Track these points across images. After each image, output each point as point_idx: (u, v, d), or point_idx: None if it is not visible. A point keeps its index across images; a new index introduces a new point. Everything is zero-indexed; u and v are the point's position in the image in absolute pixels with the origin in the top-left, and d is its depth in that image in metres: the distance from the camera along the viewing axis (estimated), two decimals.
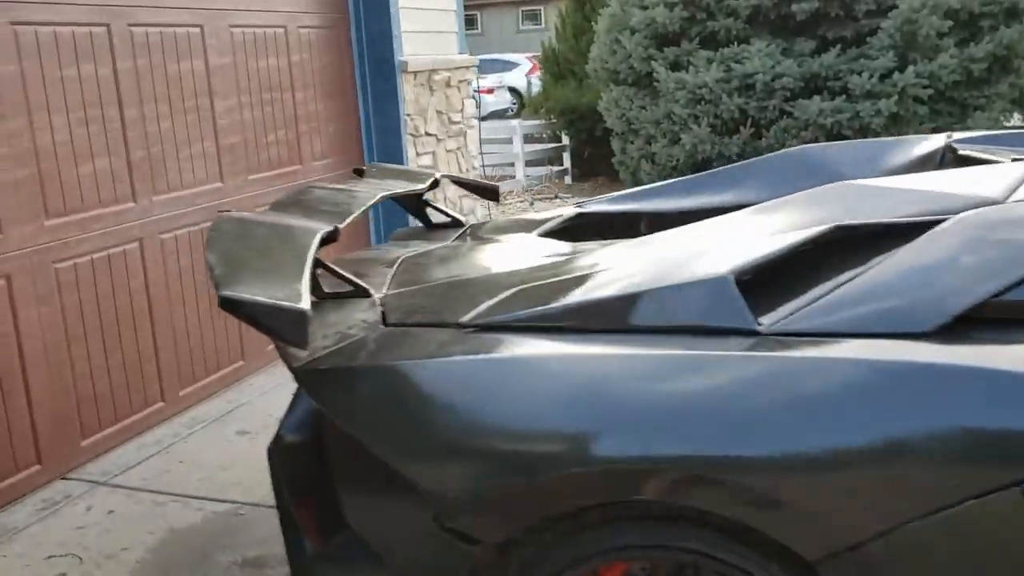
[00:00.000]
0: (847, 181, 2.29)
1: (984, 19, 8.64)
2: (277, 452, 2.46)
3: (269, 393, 4.50)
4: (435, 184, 3.31)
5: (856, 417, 1.65)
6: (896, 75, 8.50)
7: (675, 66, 9.42)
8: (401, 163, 5.46)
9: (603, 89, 10.38)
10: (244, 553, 3.10)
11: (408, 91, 5.44)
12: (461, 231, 3.23)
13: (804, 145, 3.25)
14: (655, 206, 3.10)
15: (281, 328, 1.94)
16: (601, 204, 3.21)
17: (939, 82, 8.54)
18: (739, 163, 3.22)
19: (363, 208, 2.74)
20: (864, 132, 8.70)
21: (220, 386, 4.50)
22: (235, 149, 4.53)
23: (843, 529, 1.67)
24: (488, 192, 3.61)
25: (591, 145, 12.08)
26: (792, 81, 8.81)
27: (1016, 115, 9.38)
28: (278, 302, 1.94)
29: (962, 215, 1.93)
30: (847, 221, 1.99)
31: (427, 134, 5.68)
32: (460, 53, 6.15)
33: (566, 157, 12.66)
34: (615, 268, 2.13)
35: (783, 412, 1.70)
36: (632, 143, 9.93)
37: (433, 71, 5.67)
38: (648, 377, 1.80)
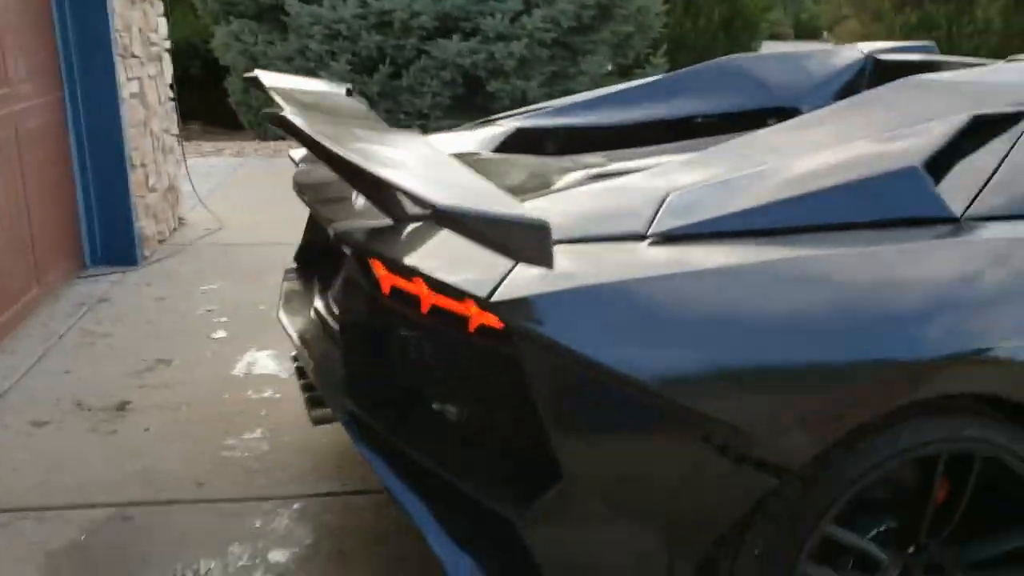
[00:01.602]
0: (916, 77, 2.40)
1: None
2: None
3: (32, 370, 3.56)
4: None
5: None
6: (524, 18, 8.96)
7: None
8: (113, 89, 4.57)
9: (216, 23, 9.55)
10: (189, 566, 2.47)
11: (116, 1, 4.54)
12: None
13: (735, 55, 3.32)
14: (599, 119, 2.99)
15: (522, 245, 1.57)
16: (537, 119, 3.01)
17: (558, 26, 9.17)
18: (671, 74, 3.22)
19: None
20: (497, 73, 9.08)
21: None
22: None
23: None
24: None
25: (185, 85, 11.04)
26: (428, 20, 8.87)
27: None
28: (519, 215, 1.57)
29: None
30: (983, 111, 2.10)
31: (134, 55, 4.80)
32: None
33: None
34: (772, 167, 2.02)
35: None
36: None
37: None
38: (923, 270, 1.78)
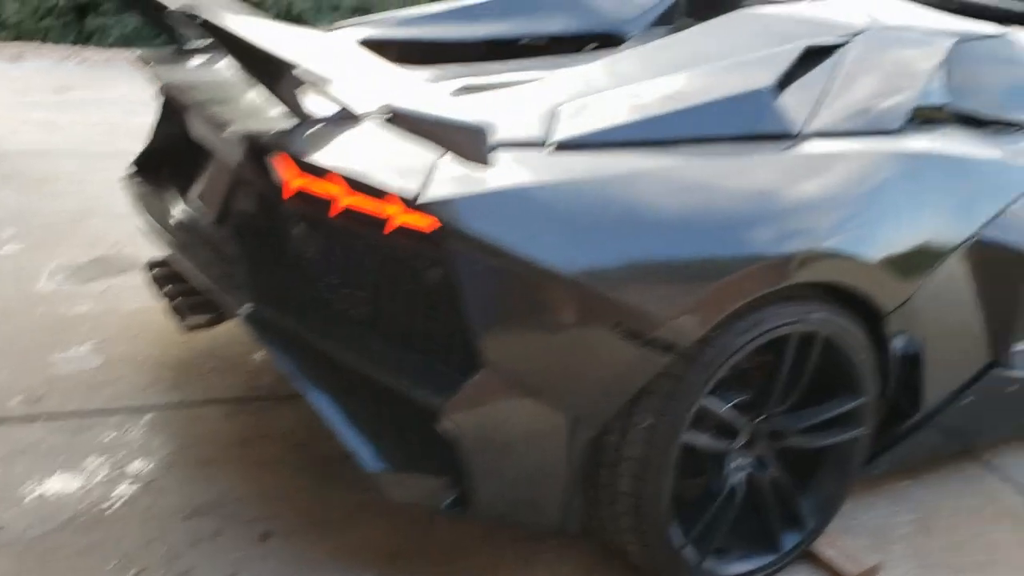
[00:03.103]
0: (749, 10, 2.65)
1: None
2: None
3: None
4: None
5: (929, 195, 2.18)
6: None
7: None
8: None
9: None
10: (42, 482, 2.38)
11: None
12: None
13: None
14: (442, 34, 3.06)
15: (465, 146, 1.69)
16: (382, 29, 3.03)
17: None
18: None
19: None
20: None
21: None
22: None
23: (900, 287, 2.19)
24: None
25: None
26: None
27: None
28: (465, 119, 1.69)
29: (862, 38, 2.47)
30: (815, 42, 2.39)
31: None
32: None
33: None
34: (646, 85, 2.21)
35: (877, 199, 2.15)
36: None
37: None
38: (779, 178, 2.06)
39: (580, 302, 1.83)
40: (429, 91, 1.81)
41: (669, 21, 3.36)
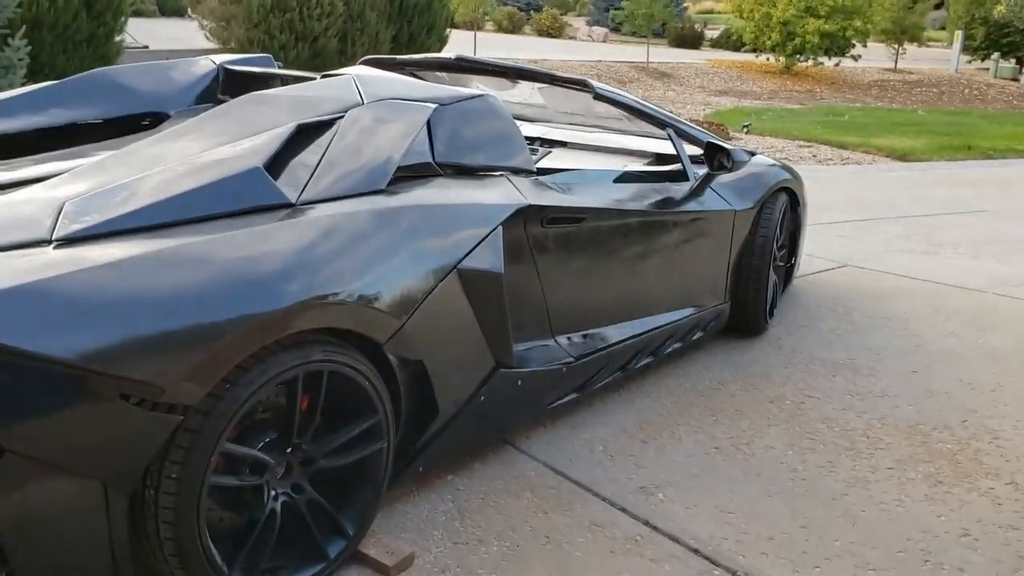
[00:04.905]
0: (256, 93, 3.00)
1: None
2: None
3: None
4: None
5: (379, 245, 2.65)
6: None
7: None
8: None
9: None
10: None
11: None
12: None
13: (102, 68, 3.60)
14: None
15: None
16: None
17: None
18: (50, 83, 3.43)
19: None
20: None
21: None
22: None
23: (390, 320, 2.64)
24: None
25: None
26: None
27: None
28: None
29: (353, 112, 2.93)
30: (304, 120, 2.80)
31: None
32: None
33: None
34: (151, 174, 2.49)
35: (361, 250, 2.58)
36: None
37: None
38: (272, 244, 2.42)
39: (85, 382, 2.08)
40: None
41: (212, 98, 3.68)
